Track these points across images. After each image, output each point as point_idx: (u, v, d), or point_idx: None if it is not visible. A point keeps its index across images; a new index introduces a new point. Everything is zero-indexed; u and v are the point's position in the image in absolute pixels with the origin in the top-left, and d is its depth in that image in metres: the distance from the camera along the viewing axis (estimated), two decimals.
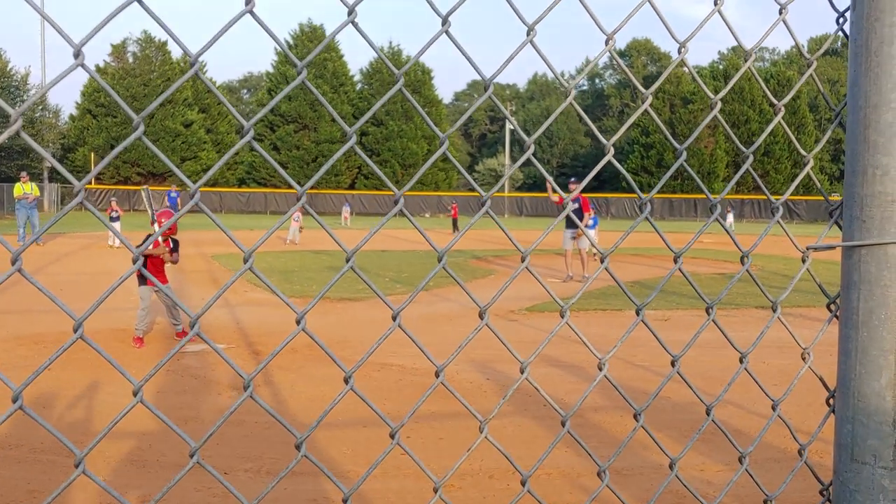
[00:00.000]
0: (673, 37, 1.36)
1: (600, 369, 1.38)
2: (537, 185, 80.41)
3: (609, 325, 9.82)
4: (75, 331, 0.96)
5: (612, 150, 1.32)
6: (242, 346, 8.11)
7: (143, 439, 4.94)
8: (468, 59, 1.21)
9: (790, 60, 78.27)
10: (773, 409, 1.49)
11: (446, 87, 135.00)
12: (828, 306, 1.44)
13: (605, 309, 11.12)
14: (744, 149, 1.45)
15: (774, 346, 7.94)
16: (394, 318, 1.19)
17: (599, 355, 1.39)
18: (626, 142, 72.16)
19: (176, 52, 64.01)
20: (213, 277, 14.83)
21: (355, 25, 1.12)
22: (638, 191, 1.41)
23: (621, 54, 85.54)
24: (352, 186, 64.97)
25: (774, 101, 1.44)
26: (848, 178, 1.26)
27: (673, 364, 1.41)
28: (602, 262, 1.34)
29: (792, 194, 62.13)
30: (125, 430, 5.08)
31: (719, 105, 1.43)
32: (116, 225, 21.64)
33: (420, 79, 67.49)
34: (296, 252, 20.79)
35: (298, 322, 1.14)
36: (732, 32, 1.38)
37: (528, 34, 1.21)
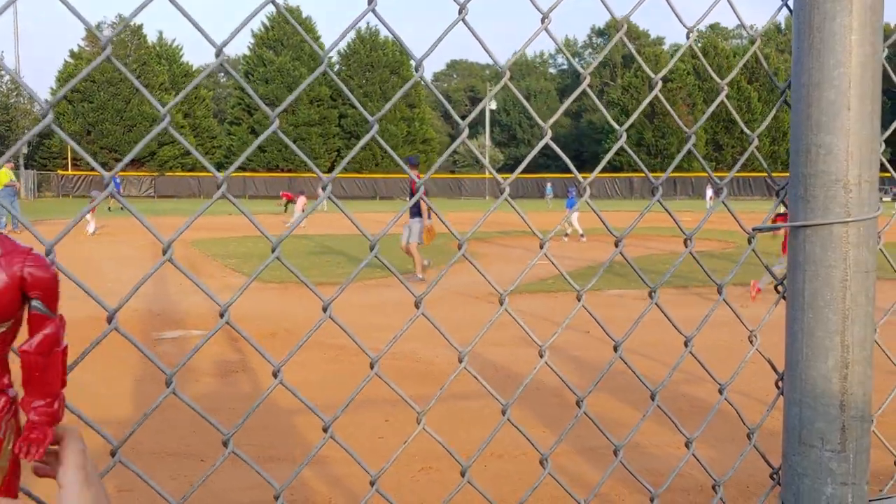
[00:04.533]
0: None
1: (541, 356, 1.38)
2: (518, 165, 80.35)
3: (589, 305, 9.80)
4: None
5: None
6: (220, 332, 8.06)
7: (119, 428, 4.89)
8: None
9: (768, 38, 78.52)
10: (720, 392, 1.49)
11: (426, 67, 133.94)
12: (775, 287, 1.43)
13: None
14: (686, 129, 1.43)
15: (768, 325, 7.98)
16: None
17: (539, 342, 1.37)
18: (605, 122, 72.21)
19: (151, 36, 63.28)
20: (192, 263, 14.73)
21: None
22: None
23: (600, 33, 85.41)
24: (331, 170, 64.55)
25: (718, 80, 1.43)
26: (792, 157, 1.24)
27: (615, 349, 1.41)
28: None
29: (759, 171, 62.59)
30: (98, 418, 5.03)
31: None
32: (91, 218, 21.41)
33: (399, 59, 67.18)
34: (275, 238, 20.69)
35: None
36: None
37: (459, 12, 1.17)
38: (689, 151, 1.43)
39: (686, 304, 9.94)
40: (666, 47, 75.71)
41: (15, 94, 55.67)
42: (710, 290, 11.05)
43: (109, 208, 34.61)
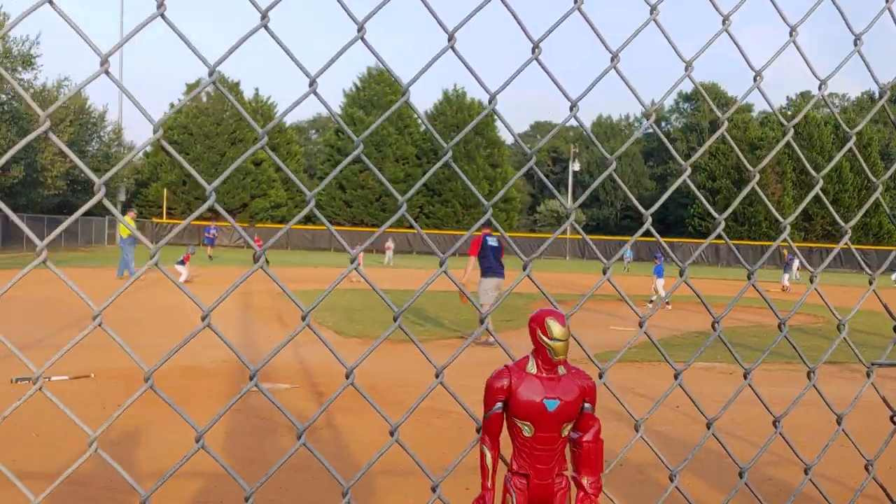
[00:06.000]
0: (749, 65, 1.44)
1: (637, 430, 1.46)
2: (600, 227, 79.92)
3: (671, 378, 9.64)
4: (251, 378, 1.08)
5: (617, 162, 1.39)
6: (306, 387, 8.25)
7: (210, 480, 5.07)
8: (474, 75, 1.29)
9: (860, 107, 76.74)
10: (806, 472, 1.54)
11: (512, 126, 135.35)
12: (891, 419, 1.47)
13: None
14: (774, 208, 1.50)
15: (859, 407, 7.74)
16: (437, 375, 1.27)
17: (637, 417, 1.45)
18: (697, 187, 71.70)
19: (248, 93, 65.92)
20: (279, 315, 15.10)
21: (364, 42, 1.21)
22: (739, 256, 1.47)
23: (687, 98, 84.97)
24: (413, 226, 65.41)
25: (784, 121, 1.49)
26: None
27: (708, 427, 1.48)
28: (714, 327, 1.43)
29: (862, 244, 60.72)
30: (192, 470, 5.22)
31: (791, 131, 1.52)
32: (182, 268, 22.15)
33: (483, 121, 68.11)
34: (359, 291, 20.99)
35: (347, 377, 1.26)
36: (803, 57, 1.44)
37: (533, 51, 1.29)
38: (777, 222, 1.51)
39: (773, 381, 9.69)
40: (754, 114, 74.72)
41: (116, 143, 58.63)
42: (798, 367, 10.75)
43: (210, 257, 35.77)
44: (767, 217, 63.31)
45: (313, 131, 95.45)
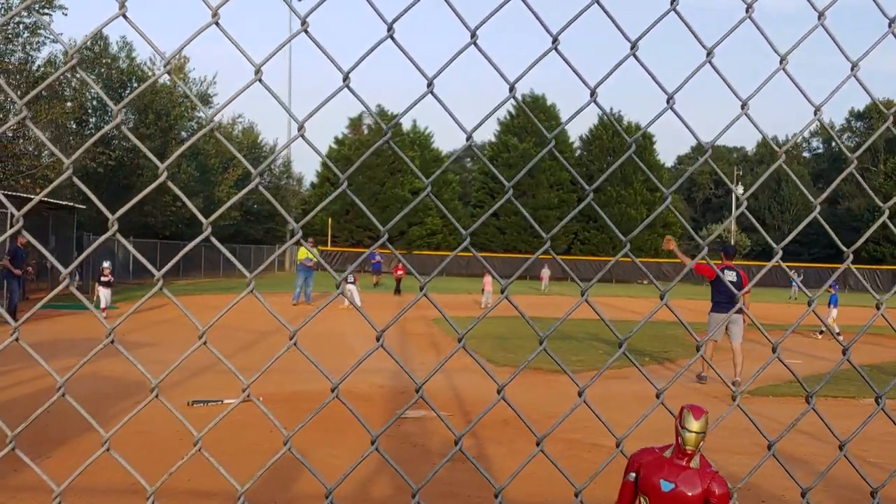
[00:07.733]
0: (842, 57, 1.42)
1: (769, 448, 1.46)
2: (765, 252, 76.24)
3: (840, 414, 9.06)
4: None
5: (669, 199, 1.39)
6: (458, 415, 8.38)
7: None
8: (493, 67, 1.33)
9: None
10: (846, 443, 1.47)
11: (669, 151, 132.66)
12: None
13: (835, 396, 10.34)
14: None
15: None
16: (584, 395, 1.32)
17: (803, 486, 1.45)
18: (865, 209, 67.19)
19: (407, 125, 68.06)
20: (434, 342, 15.41)
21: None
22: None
23: (859, 116, 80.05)
24: (567, 251, 65.13)
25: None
26: None
27: (769, 447, 1.46)
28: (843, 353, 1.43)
29: None
30: (346, 494, 5.45)
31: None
32: (353, 288, 22.98)
33: (641, 144, 66.89)
34: (507, 318, 21.00)
35: (333, 390, 1.33)
36: None
37: (551, 41, 1.31)
38: None
39: None
40: None
41: (286, 176, 62.09)
42: None
43: (376, 284, 37.21)
44: None
45: (468, 159, 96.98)
